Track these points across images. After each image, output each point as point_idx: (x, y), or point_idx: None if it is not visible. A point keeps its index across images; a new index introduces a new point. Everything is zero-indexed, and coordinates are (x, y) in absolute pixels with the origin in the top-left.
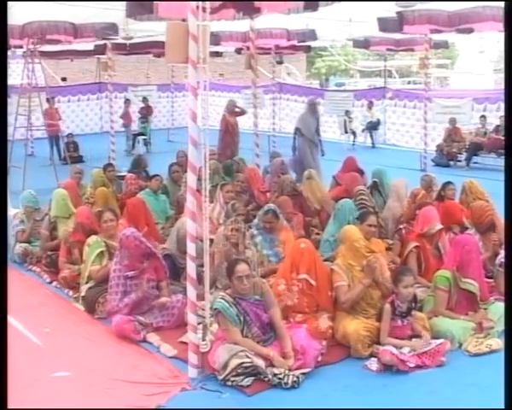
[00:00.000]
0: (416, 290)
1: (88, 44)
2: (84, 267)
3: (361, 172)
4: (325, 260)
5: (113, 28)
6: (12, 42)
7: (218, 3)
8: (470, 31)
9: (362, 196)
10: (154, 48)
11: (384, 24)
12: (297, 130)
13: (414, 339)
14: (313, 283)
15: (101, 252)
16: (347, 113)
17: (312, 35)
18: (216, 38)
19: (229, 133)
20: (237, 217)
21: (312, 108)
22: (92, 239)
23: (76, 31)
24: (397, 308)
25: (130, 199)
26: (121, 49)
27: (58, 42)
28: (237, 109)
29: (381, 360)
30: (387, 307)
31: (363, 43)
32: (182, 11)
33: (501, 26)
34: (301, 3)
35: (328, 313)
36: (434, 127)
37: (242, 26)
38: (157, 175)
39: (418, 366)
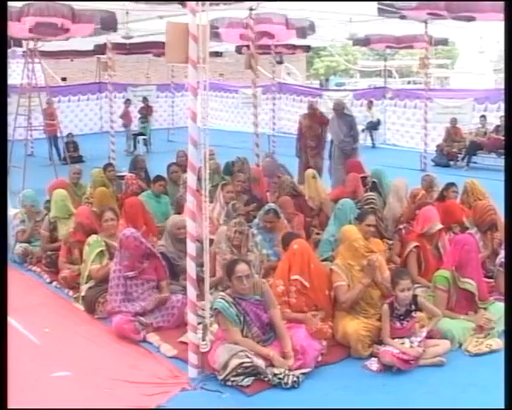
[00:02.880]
0: (414, 293)
1: (87, 44)
2: (84, 267)
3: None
4: (325, 260)
5: (112, 19)
6: (10, 24)
7: None
8: (469, 19)
9: (371, 206)
10: (154, 48)
11: (384, 12)
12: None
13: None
14: (306, 284)
15: (101, 251)
16: None
17: (312, 27)
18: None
19: (302, 136)
20: (239, 218)
21: (339, 113)
22: (92, 238)
23: (75, 15)
24: (394, 310)
25: (128, 199)
26: (121, 48)
27: (55, 25)
28: (318, 112)
29: (381, 361)
30: (385, 307)
31: (363, 41)
32: None
33: (501, 16)
34: None
35: (326, 312)
36: (435, 127)
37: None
38: (161, 179)
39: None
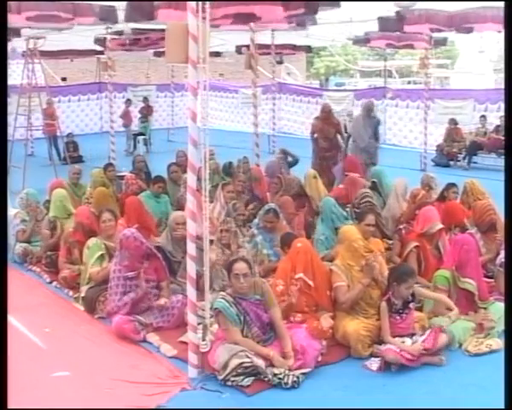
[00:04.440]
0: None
1: (88, 41)
2: (84, 270)
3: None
4: (323, 259)
5: (112, 12)
6: (9, 17)
7: (218, 14)
8: (470, 30)
9: (367, 199)
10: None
11: (384, 23)
12: (348, 137)
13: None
14: (310, 283)
15: (101, 254)
16: (349, 115)
17: (313, 20)
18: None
19: (314, 138)
20: (237, 216)
21: (367, 113)
22: (92, 241)
23: (75, 10)
24: (393, 306)
25: (127, 198)
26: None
27: (57, 18)
28: (332, 115)
29: (385, 359)
30: (383, 305)
31: (363, 40)
32: (181, 18)
33: (500, 27)
34: (300, 11)
35: (329, 312)
36: (437, 127)
37: None
38: (160, 180)
39: (422, 356)
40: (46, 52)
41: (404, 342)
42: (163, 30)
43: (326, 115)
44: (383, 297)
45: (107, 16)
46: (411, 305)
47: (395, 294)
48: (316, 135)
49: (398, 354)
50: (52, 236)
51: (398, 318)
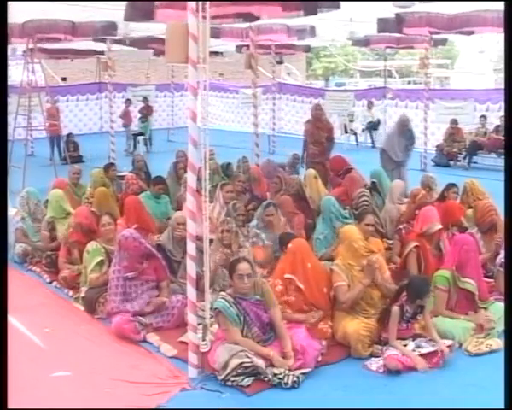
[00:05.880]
0: None
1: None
2: (84, 273)
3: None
4: (321, 258)
5: (112, 27)
6: (12, 41)
7: (218, 12)
8: (470, 33)
9: (364, 198)
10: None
11: (384, 25)
12: (382, 150)
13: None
14: (299, 284)
15: (101, 260)
16: (350, 115)
17: (312, 32)
18: (216, 33)
19: (306, 140)
20: (237, 217)
21: (402, 128)
22: (92, 246)
23: (75, 29)
24: (405, 313)
25: (127, 198)
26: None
27: (58, 40)
28: (323, 118)
29: (387, 367)
30: (396, 309)
31: (363, 42)
32: (180, 17)
33: (500, 29)
34: (301, 11)
35: (324, 312)
36: (439, 127)
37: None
38: (161, 182)
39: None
40: (46, 49)
41: (406, 345)
42: (162, 39)
43: (318, 116)
44: (386, 300)
45: (107, 32)
46: (418, 316)
47: (410, 304)
48: (307, 140)
49: (399, 361)
50: (51, 237)
51: (404, 325)
